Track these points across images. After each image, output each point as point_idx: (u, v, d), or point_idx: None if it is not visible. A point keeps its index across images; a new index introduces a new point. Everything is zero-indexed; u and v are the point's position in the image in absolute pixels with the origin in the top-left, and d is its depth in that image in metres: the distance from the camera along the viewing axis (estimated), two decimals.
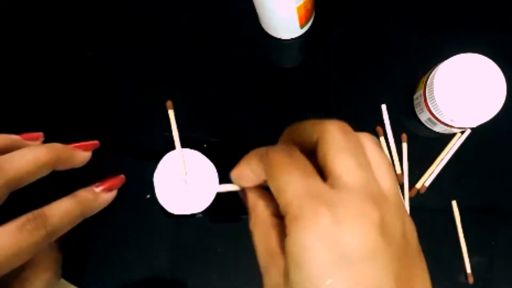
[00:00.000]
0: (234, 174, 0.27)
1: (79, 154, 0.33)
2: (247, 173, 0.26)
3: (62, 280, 0.40)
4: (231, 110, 0.43)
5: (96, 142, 0.34)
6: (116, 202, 0.40)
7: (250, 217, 0.26)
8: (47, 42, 0.45)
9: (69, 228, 0.30)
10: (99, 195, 0.33)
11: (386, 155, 0.23)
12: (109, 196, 0.34)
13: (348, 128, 0.23)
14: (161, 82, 0.43)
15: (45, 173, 0.30)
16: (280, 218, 0.24)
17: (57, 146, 0.31)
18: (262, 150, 0.24)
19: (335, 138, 0.22)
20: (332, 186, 0.21)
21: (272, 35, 0.43)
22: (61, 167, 0.31)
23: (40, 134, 0.33)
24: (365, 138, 0.23)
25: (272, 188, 0.22)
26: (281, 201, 0.21)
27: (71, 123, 0.43)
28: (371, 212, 0.20)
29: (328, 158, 0.21)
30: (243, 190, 0.28)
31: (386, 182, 0.22)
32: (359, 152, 0.22)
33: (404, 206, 0.23)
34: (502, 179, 0.41)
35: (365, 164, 0.21)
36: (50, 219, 0.28)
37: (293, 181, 0.21)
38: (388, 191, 0.21)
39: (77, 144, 0.33)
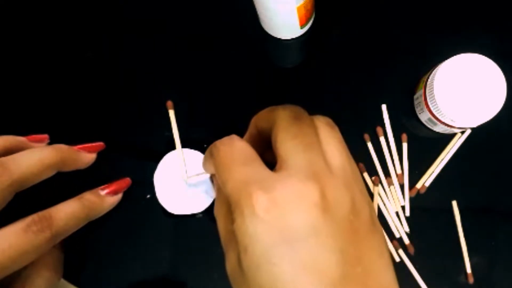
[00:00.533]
0: (202, 164, 0.28)
1: (84, 156, 0.33)
2: (206, 166, 0.27)
3: (62, 280, 0.40)
4: (231, 110, 0.43)
5: (101, 143, 0.35)
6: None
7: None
8: (47, 43, 0.45)
9: (74, 230, 0.30)
10: (104, 198, 0.33)
11: (337, 134, 0.24)
12: (115, 199, 0.34)
13: (300, 113, 0.23)
14: (161, 82, 0.43)
15: (50, 174, 0.30)
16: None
17: (62, 148, 0.31)
18: (212, 146, 0.25)
19: (285, 123, 0.22)
20: (277, 170, 0.21)
21: (272, 35, 0.43)
22: (66, 169, 0.31)
23: (46, 136, 0.33)
24: (318, 121, 0.24)
25: (219, 182, 0.23)
26: (225, 193, 0.22)
27: (71, 123, 0.43)
28: (310, 190, 0.20)
29: (276, 143, 0.22)
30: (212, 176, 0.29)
31: (335, 158, 0.22)
32: (307, 134, 0.22)
33: (357, 180, 0.23)
34: (502, 179, 0.41)
35: (311, 144, 0.22)
36: (56, 221, 0.28)
37: (232, 173, 0.21)
38: (336, 167, 0.22)
39: (82, 145, 0.33)
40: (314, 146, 0.22)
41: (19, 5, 0.46)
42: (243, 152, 0.22)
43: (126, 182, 0.35)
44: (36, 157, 0.29)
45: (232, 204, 0.21)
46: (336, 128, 0.24)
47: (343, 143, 0.23)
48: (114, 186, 0.34)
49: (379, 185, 0.40)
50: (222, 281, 0.40)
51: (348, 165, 0.23)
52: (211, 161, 0.24)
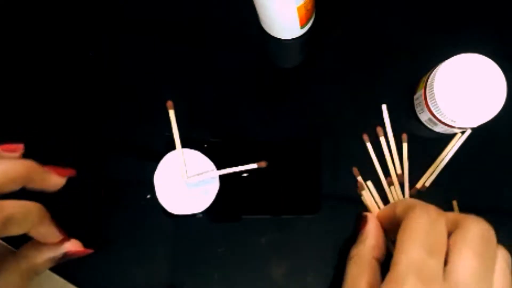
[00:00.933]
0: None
1: (52, 178, 0.31)
2: (388, 213, 0.28)
3: (62, 280, 0.40)
4: (231, 110, 0.43)
5: (72, 170, 0.33)
6: (116, 202, 0.41)
7: (358, 243, 0.28)
8: (47, 42, 0.45)
9: (9, 185, 0.28)
10: (47, 172, 0.31)
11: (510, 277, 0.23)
12: (58, 179, 0.32)
13: (492, 236, 0.24)
14: (161, 82, 0.43)
15: (14, 188, 0.28)
16: (378, 262, 0.27)
17: (30, 164, 0.30)
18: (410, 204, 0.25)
19: (475, 240, 0.22)
20: (446, 275, 0.21)
21: (273, 35, 0.43)
22: (33, 186, 0.30)
23: (20, 146, 0.31)
24: (501, 255, 0.23)
25: (397, 240, 0.23)
26: (395, 257, 0.22)
27: (71, 122, 0.43)
28: None
29: (456, 250, 0.22)
30: (365, 216, 0.30)
31: None
32: (490, 265, 0.22)
33: None
34: (502, 179, 0.41)
35: (488, 276, 0.21)
36: None
37: (416, 252, 0.21)
38: None
39: (52, 167, 0.32)
40: (489, 278, 0.22)
41: (19, 5, 0.46)
42: (438, 238, 0.23)
43: (69, 171, 0.33)
44: (0, 168, 0.28)
45: (391, 275, 0.21)
46: (481, 241, 0.24)
47: (482, 266, 0.22)
48: (58, 169, 0.33)
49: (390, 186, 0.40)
50: (222, 281, 0.40)
51: (473, 285, 0.22)
52: (402, 214, 0.25)
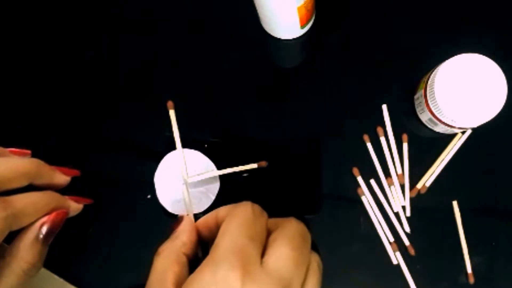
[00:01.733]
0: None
1: (58, 176, 0.33)
2: (210, 219, 0.29)
3: (61, 280, 0.40)
4: (231, 110, 0.43)
5: (76, 171, 0.35)
6: (117, 202, 0.41)
7: (168, 240, 0.28)
8: (47, 42, 0.45)
9: (34, 216, 0.30)
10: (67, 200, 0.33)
11: (320, 279, 0.25)
12: (76, 206, 0.34)
13: (309, 240, 0.25)
14: (161, 82, 0.43)
15: (23, 183, 0.30)
16: (187, 258, 0.27)
17: (37, 161, 0.31)
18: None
19: (294, 235, 0.24)
20: (264, 262, 0.23)
21: (273, 35, 0.43)
22: (39, 182, 0.31)
23: (28, 151, 0.33)
24: (314, 259, 0.25)
25: (222, 226, 0.24)
26: (218, 240, 0.24)
27: (71, 122, 0.43)
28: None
29: (275, 242, 0.24)
30: (181, 217, 0.30)
31: (276, 261, 0.23)
32: (305, 260, 0.24)
33: None
34: (503, 179, 0.41)
35: (301, 269, 0.23)
36: (13, 203, 0.28)
37: (237, 235, 0.23)
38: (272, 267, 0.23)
39: (58, 167, 0.33)
40: (302, 272, 0.23)
41: (19, 5, 0.46)
42: (260, 228, 0.24)
43: (87, 200, 0.35)
44: (10, 163, 0.29)
45: (214, 255, 0.23)
46: (321, 272, 0.26)
47: (298, 258, 0.24)
48: (77, 198, 0.34)
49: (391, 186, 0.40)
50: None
51: (287, 273, 0.23)
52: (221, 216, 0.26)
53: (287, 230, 0.25)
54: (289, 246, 0.23)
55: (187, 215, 0.32)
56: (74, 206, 0.33)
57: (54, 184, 0.33)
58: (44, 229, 0.31)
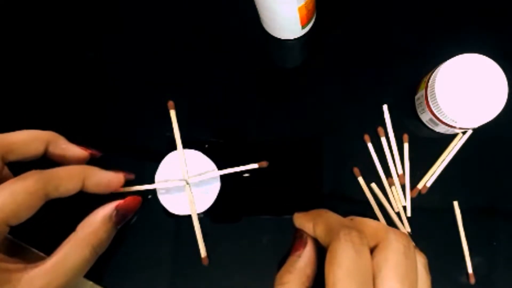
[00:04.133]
0: (299, 219, 0.29)
1: (75, 149, 0.35)
2: (309, 230, 0.27)
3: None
4: (232, 110, 0.43)
5: (96, 152, 0.36)
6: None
7: (293, 270, 0.27)
8: (47, 42, 0.45)
9: (69, 181, 0.31)
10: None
11: (430, 280, 0.24)
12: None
13: (410, 248, 0.24)
14: (162, 82, 0.43)
15: (39, 147, 0.32)
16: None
17: (52, 132, 0.34)
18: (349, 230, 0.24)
19: (397, 260, 0.23)
20: None
21: (274, 35, 0.43)
22: (55, 151, 0.33)
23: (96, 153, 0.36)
24: (420, 263, 0.24)
25: (327, 277, 0.23)
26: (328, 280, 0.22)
27: (72, 123, 0.43)
28: None
29: (379, 274, 0.22)
30: (305, 237, 0.28)
31: None
32: (414, 280, 0.23)
33: None
34: (503, 179, 0.41)
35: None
36: (46, 170, 0.30)
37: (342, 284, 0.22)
38: None
39: (78, 145, 0.35)
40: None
41: (19, 5, 0.46)
42: (365, 269, 0.23)
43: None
44: (27, 131, 0.32)
45: None
46: (429, 271, 0.24)
47: (409, 286, 0.23)
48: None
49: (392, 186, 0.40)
50: (222, 281, 0.39)
51: None
52: (324, 238, 0.25)
53: (389, 255, 0.23)
54: (396, 278, 0.22)
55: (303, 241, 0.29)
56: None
57: (70, 155, 0.34)
58: (119, 210, 0.33)
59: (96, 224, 0.31)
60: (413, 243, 0.24)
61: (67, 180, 0.31)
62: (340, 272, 0.22)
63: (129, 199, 0.34)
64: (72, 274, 0.29)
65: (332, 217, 0.26)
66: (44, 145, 0.32)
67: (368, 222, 0.26)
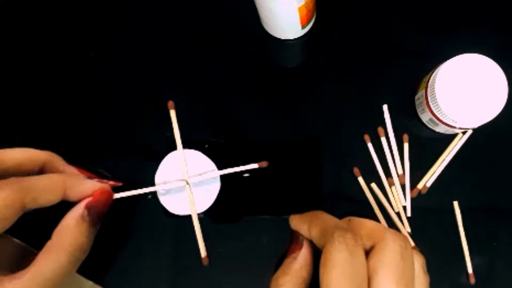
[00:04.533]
0: (295, 221, 0.28)
1: (71, 169, 0.34)
2: (305, 232, 0.27)
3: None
4: (232, 110, 0.43)
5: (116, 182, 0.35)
6: (117, 202, 0.40)
7: (289, 272, 0.26)
8: (47, 43, 0.45)
9: (50, 192, 0.30)
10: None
11: (428, 282, 0.24)
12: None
13: (408, 249, 0.23)
14: (162, 83, 0.43)
15: (33, 168, 0.31)
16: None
17: (50, 153, 0.32)
18: (341, 233, 0.24)
19: (393, 261, 0.22)
20: None
21: (273, 35, 0.43)
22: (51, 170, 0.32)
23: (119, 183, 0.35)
24: (418, 263, 0.24)
25: (322, 278, 0.23)
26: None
27: (72, 123, 0.43)
28: None
29: (375, 276, 0.22)
30: (302, 240, 0.28)
31: None
32: (410, 281, 0.22)
33: None
34: (503, 179, 0.41)
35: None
36: (26, 179, 0.29)
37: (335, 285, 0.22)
38: None
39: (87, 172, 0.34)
40: None
41: (19, 5, 0.46)
42: (359, 271, 0.22)
43: (113, 182, 0.35)
44: (24, 149, 0.30)
45: None
46: (427, 272, 0.24)
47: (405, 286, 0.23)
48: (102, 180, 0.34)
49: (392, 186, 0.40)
50: (222, 281, 0.39)
51: None
52: (319, 241, 0.25)
53: (385, 256, 0.23)
54: (392, 279, 0.22)
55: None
56: (99, 186, 0.33)
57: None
58: (90, 209, 0.31)
59: (69, 228, 0.30)
60: (411, 244, 0.24)
61: (48, 191, 0.29)
62: (333, 274, 0.22)
63: (97, 194, 0.32)
64: (51, 283, 0.28)
65: (328, 219, 0.26)
66: (39, 167, 0.31)
67: (365, 222, 0.25)
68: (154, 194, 0.40)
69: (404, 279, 0.22)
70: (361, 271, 0.22)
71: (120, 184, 0.35)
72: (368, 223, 0.25)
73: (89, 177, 0.33)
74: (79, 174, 0.33)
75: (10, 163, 0.29)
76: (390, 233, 0.24)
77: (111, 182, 0.34)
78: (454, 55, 0.36)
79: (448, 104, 0.36)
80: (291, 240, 0.28)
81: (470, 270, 0.39)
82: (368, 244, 0.24)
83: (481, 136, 0.41)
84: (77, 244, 0.30)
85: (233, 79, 0.43)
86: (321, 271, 0.23)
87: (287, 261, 0.27)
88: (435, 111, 0.37)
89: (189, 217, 0.40)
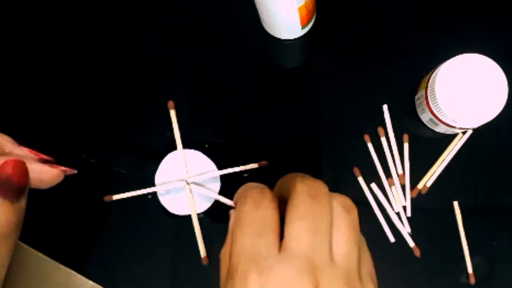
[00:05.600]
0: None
1: (13, 146, 0.31)
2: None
3: (68, 270, 0.39)
4: (232, 110, 0.43)
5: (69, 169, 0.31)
6: (117, 202, 0.41)
7: (226, 242, 0.26)
8: (47, 43, 0.45)
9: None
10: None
11: (350, 218, 0.23)
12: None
13: (317, 190, 0.22)
14: (162, 83, 0.43)
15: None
16: None
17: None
18: (243, 192, 0.24)
19: (297, 200, 0.22)
20: (281, 249, 0.21)
21: (274, 36, 0.43)
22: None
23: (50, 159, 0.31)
24: (334, 201, 0.23)
25: (231, 233, 0.23)
26: (230, 249, 0.22)
27: (72, 123, 0.43)
28: (302, 283, 0.19)
29: (286, 218, 0.22)
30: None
31: (341, 247, 0.21)
32: (318, 216, 0.21)
33: (363, 272, 0.22)
34: (503, 179, 0.41)
35: (319, 229, 0.21)
36: None
37: (244, 237, 0.21)
38: (339, 257, 0.21)
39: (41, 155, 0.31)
40: (322, 231, 0.21)
41: (19, 5, 0.46)
42: (264, 219, 0.22)
43: (64, 168, 0.31)
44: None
45: (230, 267, 0.21)
46: (353, 211, 0.23)
47: (355, 229, 0.22)
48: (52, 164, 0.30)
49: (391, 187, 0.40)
50: None
51: (353, 256, 0.22)
52: (237, 202, 0.24)
53: (294, 199, 0.22)
54: (298, 217, 0.21)
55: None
56: (42, 169, 0.29)
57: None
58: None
59: None
60: (326, 186, 0.23)
61: None
62: (235, 226, 0.22)
63: (3, 163, 0.28)
64: None
65: (245, 185, 0.26)
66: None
67: (288, 176, 0.25)
68: (154, 194, 0.40)
69: (310, 213, 0.21)
70: (263, 220, 0.22)
71: (74, 171, 0.31)
72: (289, 176, 0.25)
73: (44, 160, 0.30)
74: (33, 156, 0.30)
75: None
76: (300, 177, 0.23)
77: (63, 168, 0.31)
78: (454, 55, 0.36)
79: (448, 104, 0.36)
80: None
81: (470, 270, 0.39)
82: (283, 193, 0.24)
83: (481, 136, 0.41)
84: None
85: (233, 79, 0.43)
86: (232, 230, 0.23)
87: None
88: (435, 111, 0.37)
89: (189, 217, 0.40)
